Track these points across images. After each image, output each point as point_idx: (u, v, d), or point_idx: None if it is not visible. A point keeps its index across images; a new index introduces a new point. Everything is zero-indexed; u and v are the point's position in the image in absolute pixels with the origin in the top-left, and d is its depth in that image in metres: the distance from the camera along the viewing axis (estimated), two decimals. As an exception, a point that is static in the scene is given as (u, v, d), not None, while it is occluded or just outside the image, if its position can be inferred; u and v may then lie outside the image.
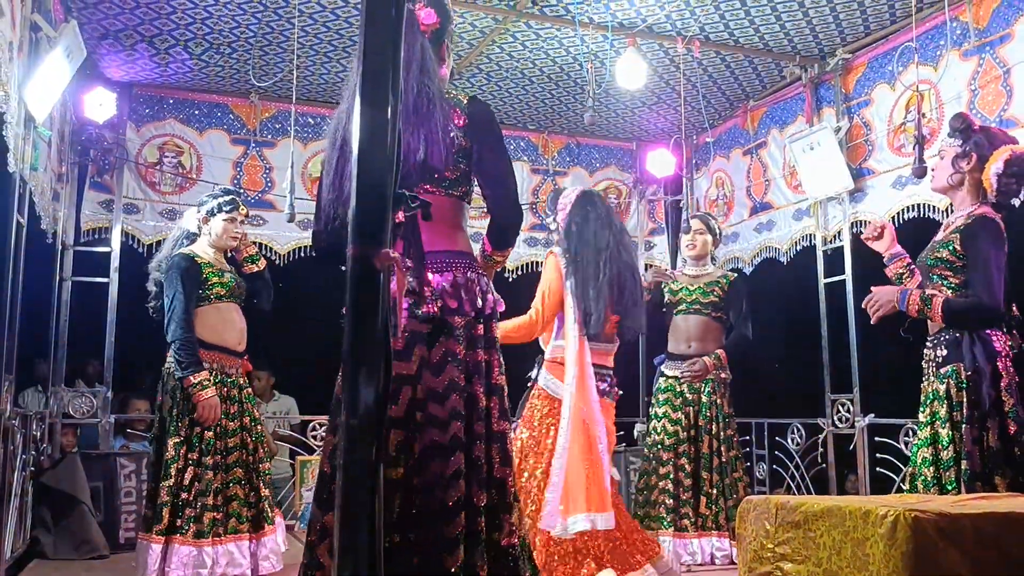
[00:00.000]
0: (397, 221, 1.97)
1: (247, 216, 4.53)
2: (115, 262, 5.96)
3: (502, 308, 2.48)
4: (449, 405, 2.23)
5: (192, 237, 4.39)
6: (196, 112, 6.30)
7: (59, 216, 5.51)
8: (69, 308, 5.79)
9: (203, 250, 4.32)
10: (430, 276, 2.31)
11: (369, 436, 1.21)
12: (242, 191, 6.14)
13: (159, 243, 6.01)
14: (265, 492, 4.32)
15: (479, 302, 2.36)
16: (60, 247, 5.68)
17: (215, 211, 4.33)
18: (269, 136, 6.45)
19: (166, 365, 4.23)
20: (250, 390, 4.44)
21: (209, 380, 4.10)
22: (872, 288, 3.26)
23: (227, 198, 4.37)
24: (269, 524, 4.28)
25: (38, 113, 4.24)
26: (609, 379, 4.03)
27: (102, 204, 6.01)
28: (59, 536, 4.94)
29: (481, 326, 2.36)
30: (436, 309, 2.28)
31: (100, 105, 5.57)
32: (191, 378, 4.06)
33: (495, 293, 2.46)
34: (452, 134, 2.36)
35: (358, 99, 1.22)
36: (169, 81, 6.11)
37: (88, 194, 5.96)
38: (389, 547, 2.12)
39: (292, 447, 6.34)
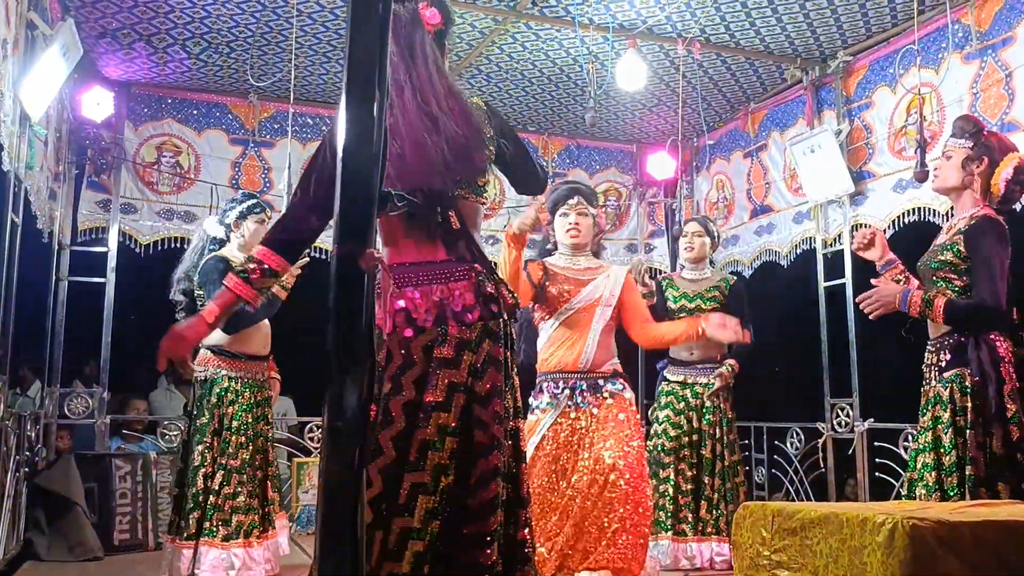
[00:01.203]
0: (454, 228, 2.03)
1: (270, 218, 4.56)
2: (112, 262, 5.93)
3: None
4: (491, 408, 2.24)
5: (217, 243, 4.41)
6: (194, 112, 6.28)
7: (56, 215, 5.48)
8: (66, 308, 5.76)
9: (233, 254, 4.34)
10: (469, 283, 2.32)
11: (353, 438, 1.19)
12: (240, 191, 6.12)
13: (156, 243, 6.05)
14: (272, 495, 4.32)
15: (504, 304, 2.39)
16: (57, 247, 5.65)
17: (246, 213, 4.36)
18: (268, 136, 6.42)
19: (196, 373, 4.28)
20: (271, 393, 4.44)
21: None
22: (872, 281, 3.23)
23: (253, 201, 4.43)
24: (272, 528, 4.28)
25: (33, 111, 4.22)
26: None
27: (99, 204, 5.98)
28: (53, 538, 4.91)
29: (505, 327, 2.40)
30: (478, 315, 2.30)
31: (98, 104, 5.56)
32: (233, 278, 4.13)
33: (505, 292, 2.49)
34: (488, 139, 2.40)
35: (343, 97, 1.20)
36: (167, 80, 6.09)
37: (85, 194, 5.93)
38: (434, 551, 2.12)
39: (289, 449, 6.31)
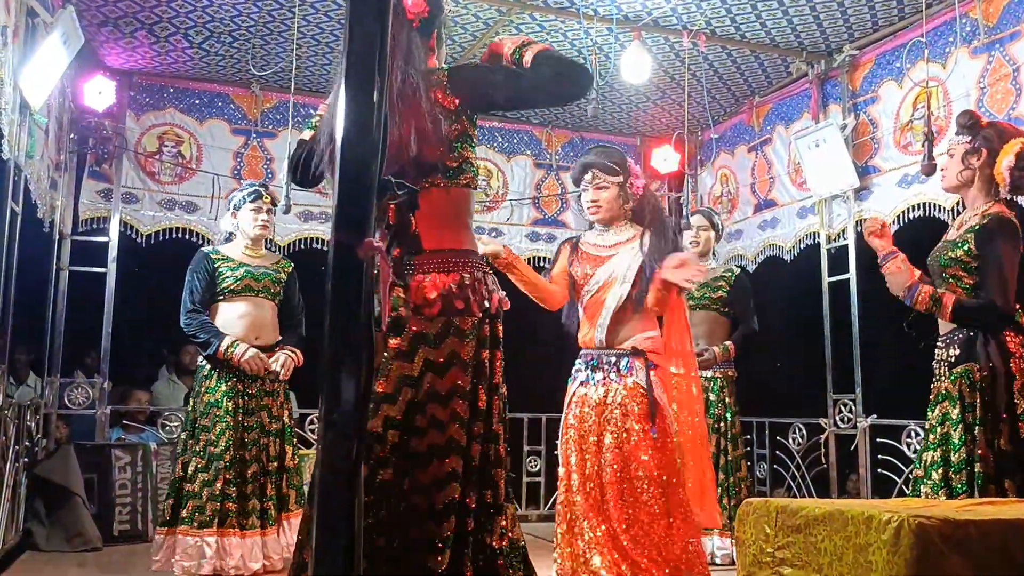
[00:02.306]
0: (390, 220, 1.93)
1: (274, 203, 4.54)
2: (113, 252, 5.91)
3: (507, 307, 2.42)
4: (451, 407, 2.18)
5: (230, 237, 4.47)
6: (196, 101, 6.25)
7: (57, 205, 5.47)
8: (66, 298, 5.74)
9: (233, 245, 4.38)
10: (436, 277, 2.25)
11: (350, 431, 1.17)
12: (242, 182, 6.10)
13: (157, 233, 6.04)
14: (271, 491, 4.29)
15: (486, 303, 2.31)
16: (57, 236, 5.63)
17: (240, 204, 4.40)
18: (270, 126, 6.39)
19: (197, 367, 4.37)
20: (276, 385, 4.37)
21: (238, 341, 4.17)
22: (884, 269, 3.15)
23: (250, 190, 4.44)
24: (272, 524, 4.25)
25: (34, 100, 4.20)
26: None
27: (100, 193, 5.96)
28: (52, 528, 4.91)
29: (487, 326, 2.31)
30: (438, 310, 2.23)
31: (99, 93, 5.53)
32: (220, 349, 4.13)
33: (501, 292, 2.40)
34: (444, 121, 2.28)
35: (342, 81, 1.17)
36: (169, 70, 6.06)
37: (86, 183, 5.90)
38: (376, 549, 2.07)
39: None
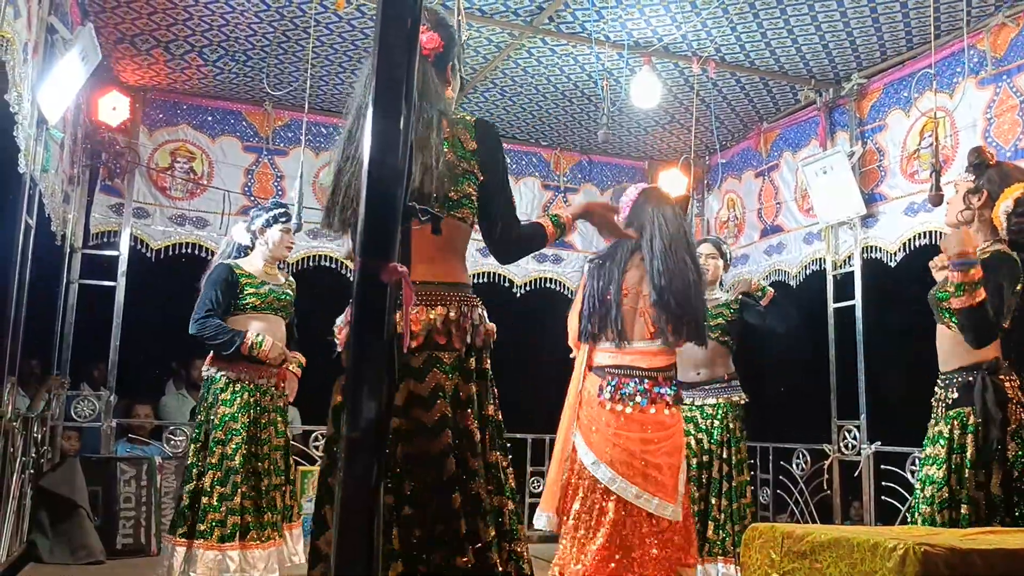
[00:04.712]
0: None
1: (298, 228, 4.59)
2: (123, 266, 5.95)
3: (494, 338, 2.41)
4: (442, 440, 2.17)
5: (242, 250, 4.44)
6: (209, 118, 6.31)
7: (68, 218, 5.51)
8: (75, 311, 5.78)
9: (251, 261, 4.37)
10: (420, 310, 2.25)
11: (369, 449, 1.19)
12: (253, 199, 6.15)
13: (168, 248, 6.08)
14: (281, 503, 4.30)
15: (469, 337, 2.30)
16: (68, 249, 5.68)
17: (271, 222, 4.38)
18: (281, 144, 6.45)
19: (203, 373, 4.34)
20: (281, 401, 4.40)
21: (261, 334, 4.17)
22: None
23: (281, 210, 4.45)
24: (280, 536, 4.27)
25: (51, 115, 4.24)
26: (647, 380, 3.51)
27: (112, 208, 6.01)
28: (56, 540, 4.91)
29: (473, 359, 2.31)
30: (420, 343, 2.23)
31: (114, 109, 5.60)
32: (247, 342, 4.12)
33: (488, 323, 2.39)
34: (456, 156, 2.31)
35: (370, 108, 1.20)
36: (183, 87, 6.13)
37: (98, 197, 5.96)
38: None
39: (294, 457, 6.29)
